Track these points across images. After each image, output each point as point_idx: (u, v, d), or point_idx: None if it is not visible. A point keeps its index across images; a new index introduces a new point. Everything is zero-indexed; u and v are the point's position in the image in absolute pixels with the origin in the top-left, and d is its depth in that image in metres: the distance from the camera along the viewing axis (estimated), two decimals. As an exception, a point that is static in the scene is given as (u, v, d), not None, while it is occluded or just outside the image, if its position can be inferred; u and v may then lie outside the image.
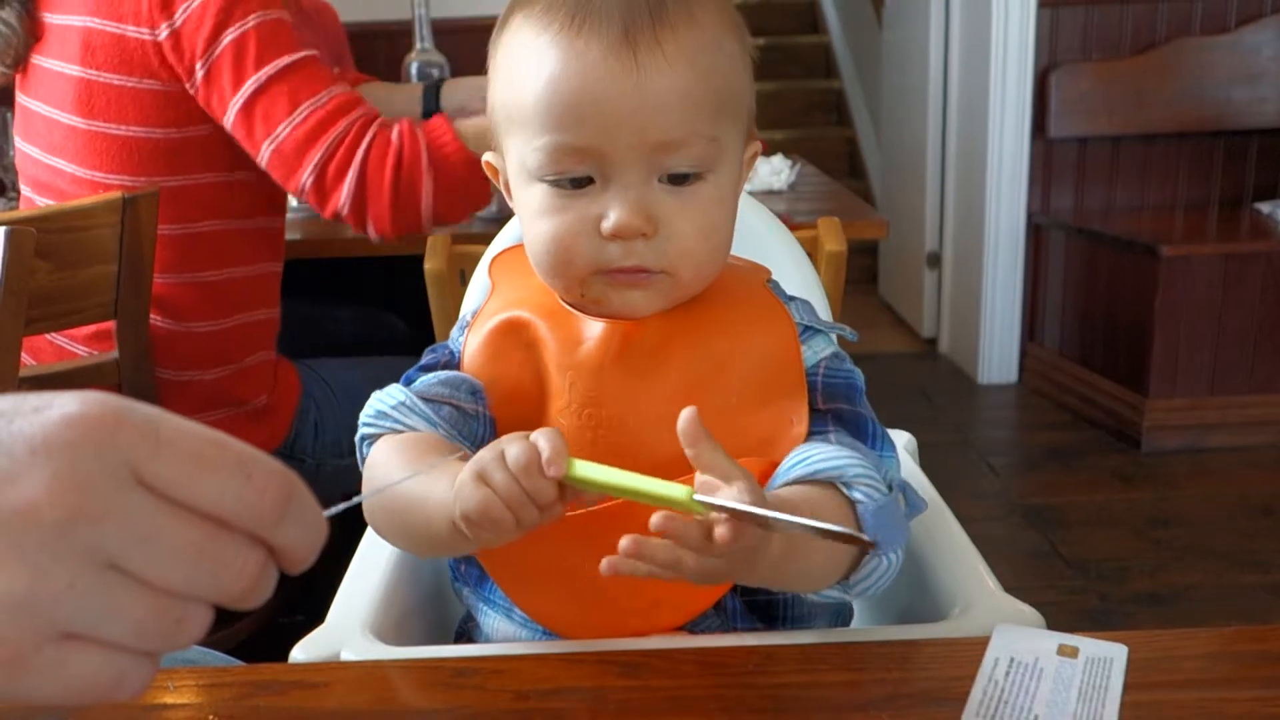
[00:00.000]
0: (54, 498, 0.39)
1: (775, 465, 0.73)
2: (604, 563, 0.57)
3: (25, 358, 1.49)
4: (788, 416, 0.76)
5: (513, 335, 0.79)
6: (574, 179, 0.72)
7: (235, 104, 1.43)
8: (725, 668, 0.62)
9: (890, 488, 0.71)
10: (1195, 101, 3.43)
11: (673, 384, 0.75)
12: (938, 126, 4.01)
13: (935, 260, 4.13)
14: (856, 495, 0.69)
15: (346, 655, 0.68)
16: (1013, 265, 3.63)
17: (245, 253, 1.57)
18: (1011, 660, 0.61)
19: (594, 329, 0.76)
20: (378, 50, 3.85)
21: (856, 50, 5.50)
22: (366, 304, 2.15)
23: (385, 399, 0.78)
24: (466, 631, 0.85)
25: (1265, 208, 3.33)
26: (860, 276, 4.84)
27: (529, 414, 0.77)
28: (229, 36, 1.40)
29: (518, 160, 0.75)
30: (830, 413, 0.77)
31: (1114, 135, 3.50)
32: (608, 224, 0.71)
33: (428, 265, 1.52)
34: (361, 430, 0.78)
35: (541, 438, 0.60)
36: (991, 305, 3.66)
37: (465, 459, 0.65)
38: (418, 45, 2.37)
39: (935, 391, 3.68)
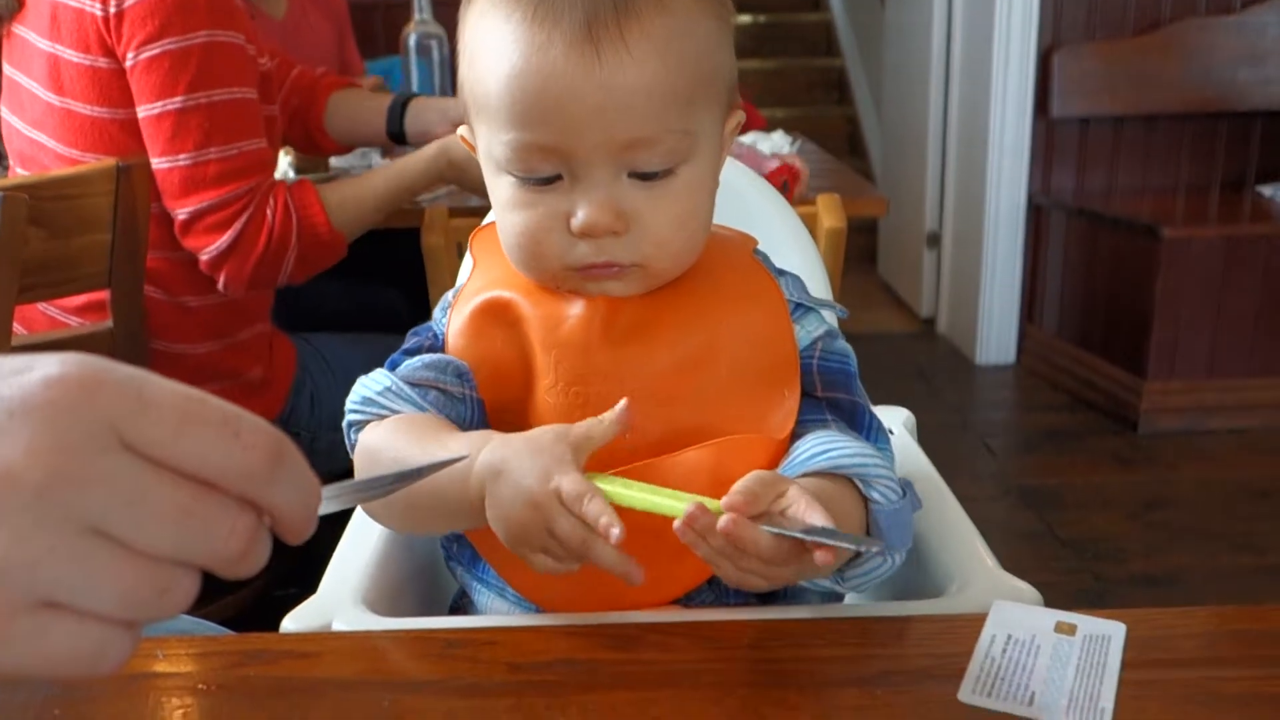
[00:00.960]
0: (32, 460, 0.38)
1: (782, 446, 0.73)
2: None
3: (17, 328, 1.48)
4: (780, 391, 0.75)
5: (494, 315, 0.78)
6: (541, 177, 0.70)
7: (152, 108, 1.41)
8: (719, 642, 0.61)
9: (904, 490, 0.70)
10: (1199, 82, 3.42)
11: (660, 360, 0.74)
12: (939, 105, 3.99)
13: (935, 240, 4.12)
14: (874, 495, 0.68)
15: (338, 626, 0.68)
16: (1012, 246, 3.62)
17: None
18: (1009, 637, 0.61)
19: (577, 305, 0.75)
20: (376, 22, 3.84)
21: (858, 28, 5.47)
22: (364, 278, 2.14)
23: (371, 385, 0.77)
24: (461, 608, 0.85)
25: (1268, 190, 3.32)
26: (859, 255, 4.82)
27: (516, 393, 0.77)
28: (171, 44, 1.38)
29: (485, 148, 0.73)
30: (827, 400, 0.76)
31: (1116, 115, 3.49)
32: (576, 223, 0.69)
33: (425, 239, 1.51)
34: (348, 417, 0.77)
35: (591, 505, 0.60)
36: (990, 285, 3.66)
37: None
38: (416, 16, 2.36)
39: (933, 372, 3.68)
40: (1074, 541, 2.46)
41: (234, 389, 1.58)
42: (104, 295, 1.46)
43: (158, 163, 1.43)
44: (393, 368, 0.79)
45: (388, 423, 0.74)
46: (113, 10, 1.37)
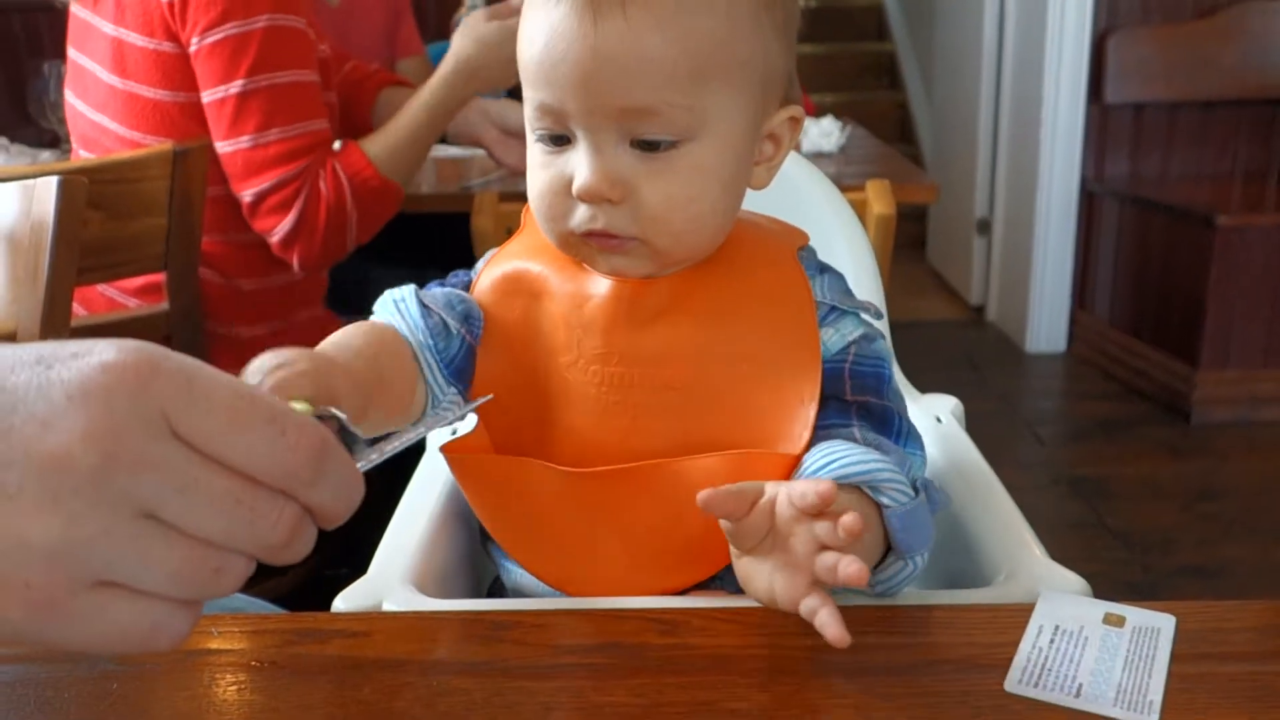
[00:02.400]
0: (88, 444, 0.39)
1: (796, 461, 0.71)
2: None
3: (77, 308, 1.51)
4: (798, 395, 0.73)
5: (521, 283, 0.78)
6: (554, 136, 0.71)
7: (215, 92, 1.42)
8: (764, 628, 0.61)
9: (916, 490, 0.68)
10: (1258, 67, 3.35)
11: (680, 348, 0.74)
12: (991, 90, 3.95)
13: (985, 226, 4.08)
14: (884, 500, 0.66)
15: (388, 606, 0.69)
16: (1064, 232, 3.57)
17: None
18: (1056, 628, 0.60)
19: (602, 285, 0.75)
20: (427, 5, 3.85)
21: (909, 12, 5.42)
22: (418, 263, 2.16)
23: (396, 290, 0.78)
24: (495, 592, 0.86)
25: (1327, 178, 3.26)
26: (909, 242, 4.79)
27: (528, 362, 0.77)
28: (234, 28, 1.40)
29: (525, 113, 0.75)
30: (856, 405, 0.75)
31: (1172, 101, 3.43)
32: (575, 185, 0.70)
33: (475, 222, 1.52)
34: (374, 313, 0.79)
35: None
36: (1042, 273, 3.62)
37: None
38: (468, 1, 2.36)
39: (982, 360, 3.65)
40: (1123, 532, 2.43)
41: None
42: (160, 278, 1.49)
43: (221, 146, 1.45)
44: (424, 288, 0.80)
45: (352, 326, 0.74)
46: None
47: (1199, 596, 2.17)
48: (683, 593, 0.74)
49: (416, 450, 0.95)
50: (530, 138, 0.74)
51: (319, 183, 1.48)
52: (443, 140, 1.83)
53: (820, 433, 0.73)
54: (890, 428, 0.74)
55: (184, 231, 1.43)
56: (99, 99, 1.51)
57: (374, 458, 0.52)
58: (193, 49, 1.42)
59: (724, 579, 0.74)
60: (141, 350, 0.41)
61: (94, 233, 1.32)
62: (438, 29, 3.51)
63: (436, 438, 0.96)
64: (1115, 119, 3.49)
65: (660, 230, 0.71)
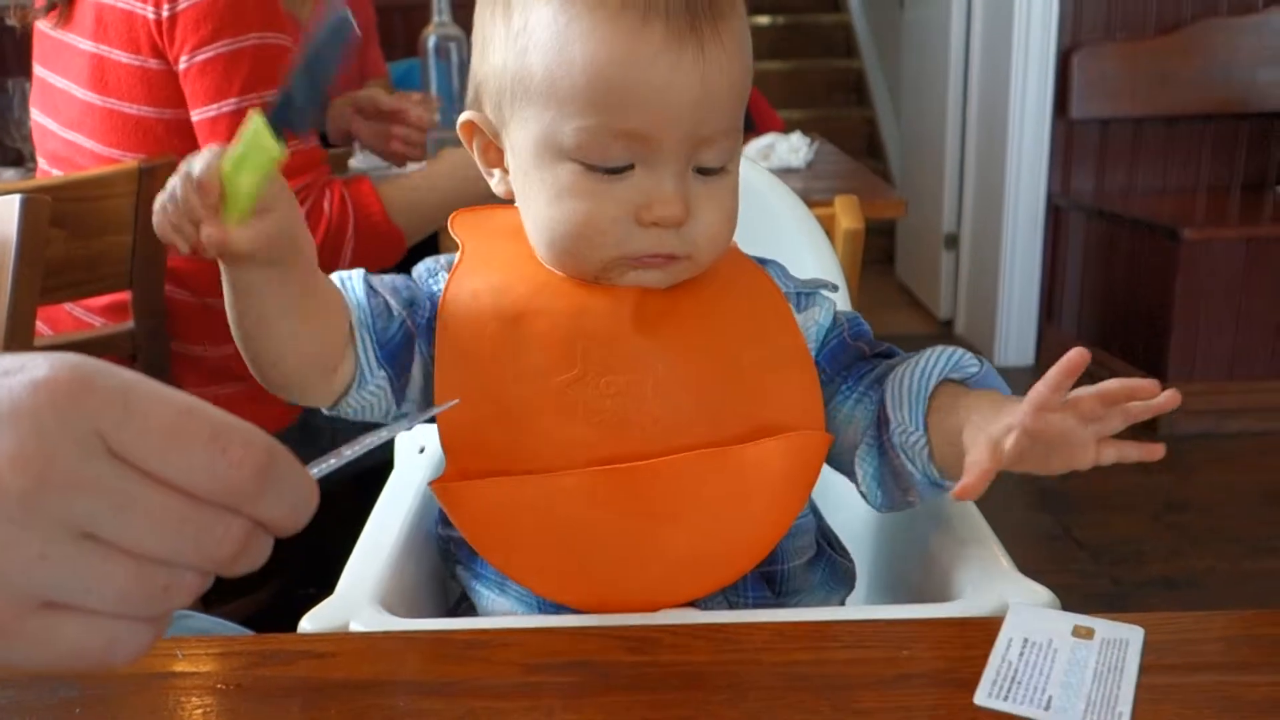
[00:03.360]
0: (18, 466, 0.37)
1: (825, 440, 0.76)
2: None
3: (42, 328, 1.49)
4: (800, 376, 0.78)
5: (496, 303, 0.76)
6: (613, 165, 0.70)
7: (206, 110, 1.42)
8: (735, 644, 0.61)
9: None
10: (1220, 83, 3.40)
11: (688, 347, 0.76)
12: (958, 106, 3.98)
13: (953, 241, 4.11)
14: (970, 370, 0.76)
15: (355, 626, 0.68)
16: (1031, 247, 3.60)
17: None
18: (1026, 640, 0.60)
19: (601, 298, 0.75)
20: (395, 24, 3.84)
21: (877, 29, 5.46)
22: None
23: (345, 271, 0.77)
24: (461, 614, 0.83)
25: (1289, 191, 3.30)
26: (878, 257, 4.82)
27: (506, 385, 0.74)
28: (224, 47, 1.39)
29: (543, 136, 0.71)
30: (875, 354, 0.83)
31: (1136, 117, 3.47)
32: (651, 213, 0.70)
33: (445, 242, 1.52)
34: None
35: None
36: (1009, 287, 3.64)
37: None
38: (435, 18, 2.36)
39: (951, 373, 3.66)
40: (1092, 544, 2.45)
41: (250, 391, 1.59)
42: (126, 296, 1.47)
43: None
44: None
45: None
46: (165, 14, 1.39)
47: (1167, 608, 2.19)
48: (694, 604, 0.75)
49: (384, 467, 0.94)
50: (565, 166, 0.71)
51: (323, 201, 1.48)
52: (330, 145, 1.85)
53: (860, 380, 0.80)
54: (895, 354, 0.83)
55: (149, 250, 1.42)
56: (72, 116, 1.50)
57: (332, 462, 0.50)
58: (182, 67, 1.41)
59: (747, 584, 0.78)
60: (76, 367, 0.39)
61: (58, 251, 1.31)
62: (406, 47, 3.51)
63: (404, 455, 0.96)
64: (1080, 134, 3.52)
65: (709, 248, 0.74)
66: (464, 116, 0.79)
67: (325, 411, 0.77)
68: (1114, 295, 3.31)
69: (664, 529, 0.73)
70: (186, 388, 1.54)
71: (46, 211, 1.22)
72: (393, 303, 0.75)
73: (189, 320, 1.55)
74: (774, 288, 0.81)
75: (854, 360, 0.82)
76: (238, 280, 0.67)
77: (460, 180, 1.57)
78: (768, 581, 0.80)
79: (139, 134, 1.46)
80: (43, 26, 1.53)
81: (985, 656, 0.59)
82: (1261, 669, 0.57)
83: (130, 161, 1.44)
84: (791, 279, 0.83)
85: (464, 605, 0.83)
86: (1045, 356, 3.64)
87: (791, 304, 0.81)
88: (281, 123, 0.57)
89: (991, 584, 0.72)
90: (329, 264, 1.50)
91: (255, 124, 0.59)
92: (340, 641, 0.64)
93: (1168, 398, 0.63)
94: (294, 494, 0.43)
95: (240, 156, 0.60)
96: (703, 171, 0.72)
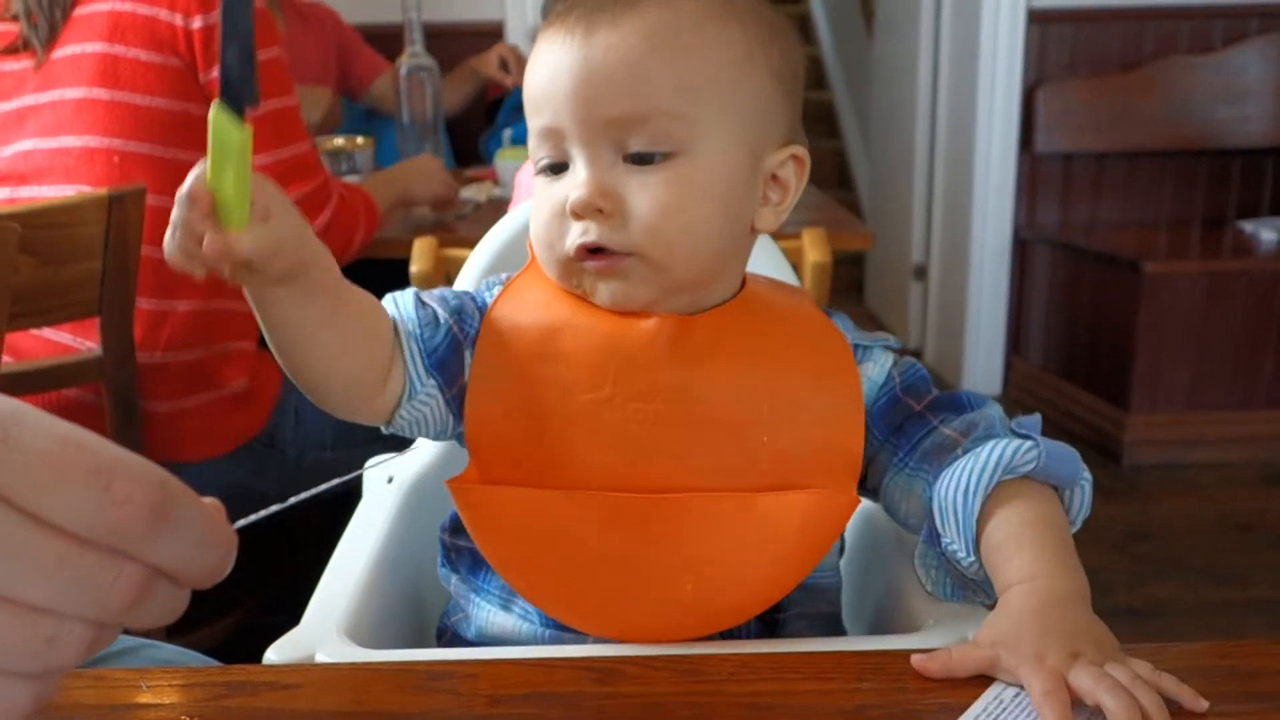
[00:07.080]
0: None
1: (852, 503, 0.75)
2: None
3: (7, 355, 1.48)
4: (843, 436, 0.75)
5: (542, 314, 0.76)
6: (554, 164, 0.74)
7: None
8: (700, 675, 0.62)
9: (1023, 437, 0.73)
10: (1181, 120, 3.46)
11: (728, 386, 0.73)
12: (926, 140, 4.02)
13: (921, 273, 4.14)
14: (1025, 470, 0.72)
15: (321, 657, 0.68)
16: (998, 279, 3.64)
17: None
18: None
19: (642, 323, 0.73)
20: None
21: (847, 62, 5.52)
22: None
23: (397, 292, 0.78)
24: (450, 626, 0.83)
25: (1248, 226, 3.35)
26: (848, 286, 4.85)
27: (538, 395, 0.73)
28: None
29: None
30: (926, 408, 0.78)
31: (1100, 152, 3.53)
32: (569, 201, 0.71)
33: (414, 269, 1.52)
34: None
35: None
36: (976, 318, 3.68)
37: None
38: (409, 48, 2.37)
39: (919, 403, 3.69)
40: (1057, 574, 2.46)
41: (218, 401, 1.59)
42: (94, 322, 1.46)
43: None
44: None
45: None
46: (197, 24, 1.49)
47: (1133, 637, 2.20)
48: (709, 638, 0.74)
49: (352, 496, 0.94)
50: (537, 179, 0.75)
51: (326, 210, 1.67)
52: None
53: (912, 452, 0.76)
54: (962, 404, 0.78)
55: (119, 275, 1.41)
56: (60, 121, 1.52)
57: (257, 516, 0.48)
58: (204, 78, 1.51)
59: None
60: None
61: (25, 278, 1.30)
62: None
63: (373, 485, 0.96)
64: (1045, 168, 3.57)
65: (653, 240, 0.71)
66: None
67: (383, 429, 0.76)
68: (1078, 327, 3.35)
69: (673, 566, 0.72)
70: (158, 400, 1.55)
71: (14, 239, 1.22)
72: (440, 311, 0.76)
73: (157, 328, 1.55)
74: (843, 344, 0.77)
75: (904, 419, 0.78)
76: (261, 301, 0.67)
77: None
78: (769, 629, 0.78)
79: (146, 124, 1.51)
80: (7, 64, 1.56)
81: (944, 687, 0.60)
82: (1221, 699, 0.58)
83: (129, 155, 1.50)
84: (851, 331, 0.80)
85: (456, 617, 0.82)
86: (1011, 386, 3.67)
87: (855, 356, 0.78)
88: (232, 104, 0.57)
89: (955, 616, 0.73)
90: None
91: (213, 119, 0.59)
92: (305, 673, 0.64)
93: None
94: (194, 536, 0.39)
95: (214, 157, 0.60)
96: (638, 161, 0.71)
